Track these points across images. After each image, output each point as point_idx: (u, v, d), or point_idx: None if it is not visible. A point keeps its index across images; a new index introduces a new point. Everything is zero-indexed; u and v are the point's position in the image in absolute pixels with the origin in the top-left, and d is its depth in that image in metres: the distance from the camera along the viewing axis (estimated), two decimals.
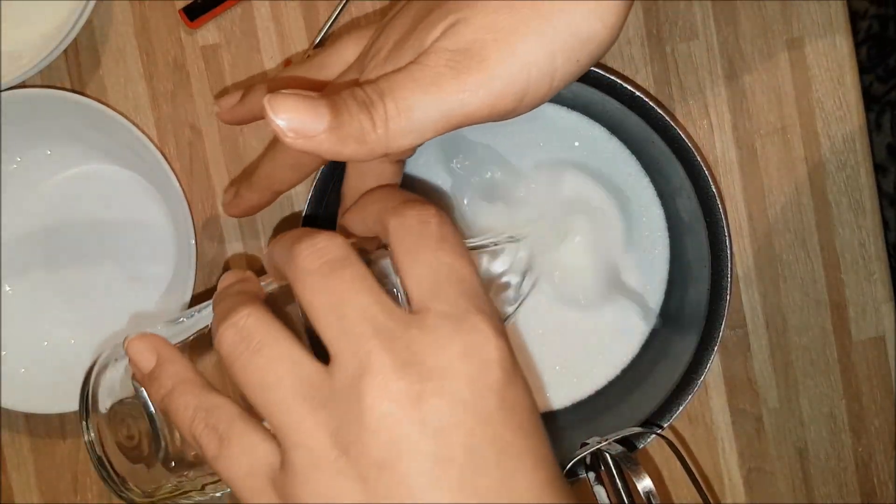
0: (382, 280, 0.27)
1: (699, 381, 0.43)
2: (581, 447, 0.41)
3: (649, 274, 0.48)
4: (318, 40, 0.50)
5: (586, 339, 0.48)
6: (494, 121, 0.31)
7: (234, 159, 0.51)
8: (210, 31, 0.51)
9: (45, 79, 0.51)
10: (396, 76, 0.30)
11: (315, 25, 0.50)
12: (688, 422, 0.52)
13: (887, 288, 0.51)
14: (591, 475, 0.43)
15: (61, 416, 0.52)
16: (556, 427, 0.48)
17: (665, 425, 0.43)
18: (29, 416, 0.52)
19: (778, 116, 0.50)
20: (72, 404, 0.49)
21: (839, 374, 0.51)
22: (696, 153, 0.41)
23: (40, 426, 0.52)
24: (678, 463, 0.51)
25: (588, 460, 0.42)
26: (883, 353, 0.51)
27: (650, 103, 0.41)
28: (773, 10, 0.50)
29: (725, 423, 0.51)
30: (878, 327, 0.51)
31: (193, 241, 0.47)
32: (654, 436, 0.42)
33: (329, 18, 0.50)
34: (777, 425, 0.51)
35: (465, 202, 0.47)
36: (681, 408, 0.43)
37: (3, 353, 0.51)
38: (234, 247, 0.51)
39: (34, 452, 0.52)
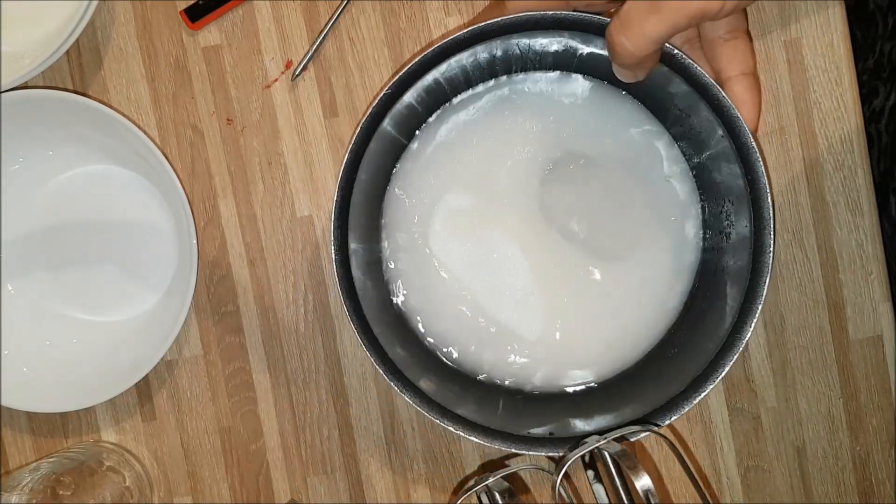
0: None
1: (720, 374, 0.42)
2: (580, 445, 0.41)
3: (678, 251, 0.48)
4: (318, 41, 0.50)
5: (617, 311, 0.48)
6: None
7: (236, 159, 0.51)
8: (211, 33, 0.51)
9: (47, 80, 0.51)
10: None
11: (316, 27, 0.51)
12: (686, 420, 0.52)
13: (885, 287, 0.51)
14: (590, 473, 0.43)
15: (63, 415, 0.52)
16: (563, 406, 0.48)
17: (664, 424, 0.43)
18: (31, 415, 0.52)
19: (776, 117, 0.50)
20: (73, 403, 0.50)
21: (837, 373, 0.51)
22: (739, 116, 0.42)
23: (43, 425, 0.52)
24: (676, 461, 0.51)
25: (587, 458, 0.42)
26: (881, 351, 0.51)
27: (688, 60, 0.42)
28: (772, 12, 0.50)
29: (723, 422, 0.52)
30: (875, 326, 0.51)
31: (195, 242, 0.47)
32: (648, 433, 0.42)
33: (330, 19, 0.50)
34: (775, 424, 0.52)
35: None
36: (686, 408, 0.43)
37: (5, 352, 0.51)
38: (235, 247, 0.52)
39: (37, 451, 0.52)
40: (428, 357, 0.48)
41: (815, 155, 0.50)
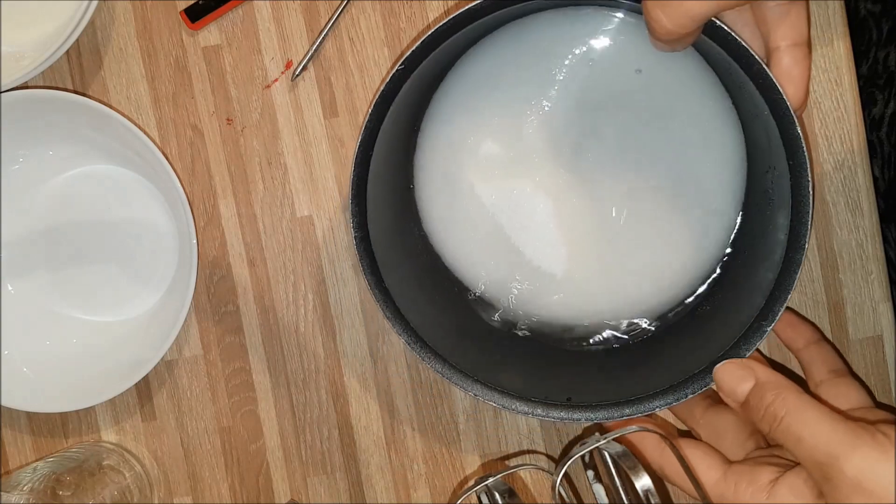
0: None
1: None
2: (580, 445, 0.41)
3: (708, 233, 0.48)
4: (318, 41, 0.50)
5: (645, 262, 0.48)
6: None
7: (236, 159, 0.51)
8: (211, 33, 0.51)
9: (47, 80, 0.51)
10: None
11: (316, 27, 0.51)
12: None
13: (885, 287, 0.51)
14: (590, 473, 0.43)
15: (63, 415, 0.52)
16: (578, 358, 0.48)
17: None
18: (31, 416, 0.52)
19: None
20: (73, 403, 0.50)
21: None
22: (785, 98, 0.39)
23: (42, 425, 0.52)
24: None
25: (587, 458, 0.42)
26: (881, 351, 0.51)
27: (732, 34, 0.39)
28: None
29: None
30: (875, 326, 0.51)
31: (195, 241, 0.47)
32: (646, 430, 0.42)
33: (330, 19, 0.50)
34: None
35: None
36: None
37: (5, 352, 0.51)
38: (235, 247, 0.52)
39: (37, 451, 0.52)
40: (455, 306, 0.49)
41: (815, 155, 0.50)
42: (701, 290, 0.49)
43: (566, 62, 0.47)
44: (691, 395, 0.42)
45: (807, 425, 0.36)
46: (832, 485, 0.35)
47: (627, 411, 0.43)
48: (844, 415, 0.37)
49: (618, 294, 0.49)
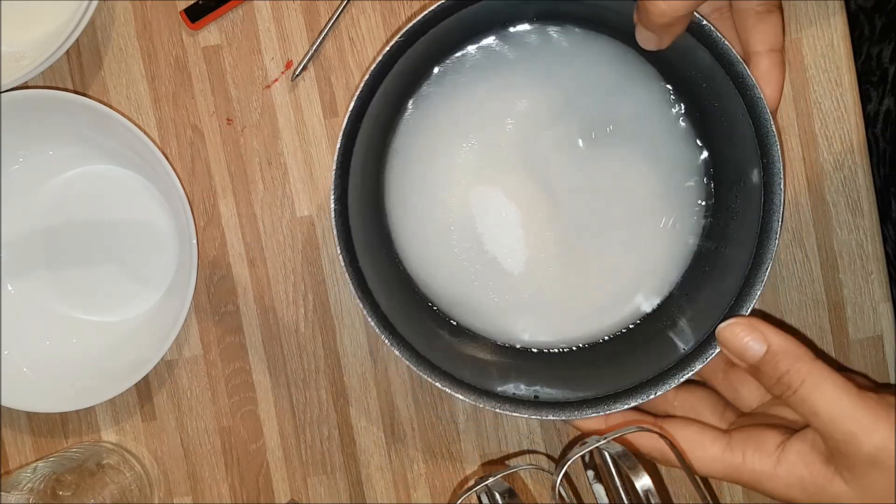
0: None
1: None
2: (580, 445, 0.41)
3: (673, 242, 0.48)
4: (318, 41, 0.50)
5: (608, 278, 0.48)
6: None
7: (236, 159, 0.51)
8: (211, 33, 0.51)
9: (47, 79, 0.51)
10: None
11: (316, 27, 0.51)
12: None
13: (885, 287, 0.51)
14: (590, 473, 0.43)
15: (63, 415, 0.52)
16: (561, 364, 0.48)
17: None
18: (31, 416, 0.52)
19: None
20: (73, 403, 0.50)
21: None
22: (762, 97, 0.41)
23: (43, 425, 0.52)
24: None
25: (587, 458, 0.42)
26: (881, 352, 0.51)
27: (717, 33, 0.40)
28: None
29: None
30: (875, 326, 0.51)
31: (195, 241, 0.47)
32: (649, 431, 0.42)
33: (330, 19, 0.50)
34: None
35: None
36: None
37: (5, 352, 0.51)
38: (235, 247, 0.52)
39: (37, 451, 0.52)
40: (421, 310, 0.48)
41: (815, 155, 0.50)
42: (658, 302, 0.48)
43: (545, 78, 0.47)
44: (666, 391, 0.42)
45: (824, 399, 0.36)
46: (846, 459, 0.36)
47: (600, 410, 0.43)
48: (856, 383, 0.37)
49: (584, 312, 0.48)
